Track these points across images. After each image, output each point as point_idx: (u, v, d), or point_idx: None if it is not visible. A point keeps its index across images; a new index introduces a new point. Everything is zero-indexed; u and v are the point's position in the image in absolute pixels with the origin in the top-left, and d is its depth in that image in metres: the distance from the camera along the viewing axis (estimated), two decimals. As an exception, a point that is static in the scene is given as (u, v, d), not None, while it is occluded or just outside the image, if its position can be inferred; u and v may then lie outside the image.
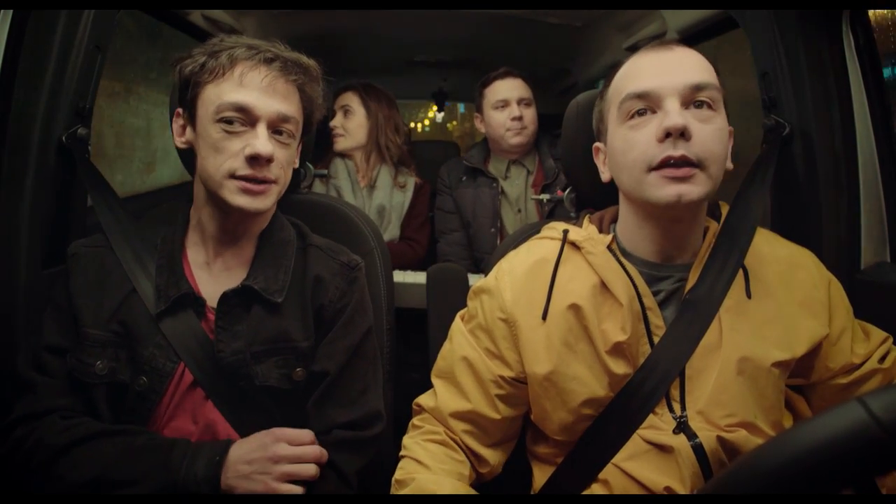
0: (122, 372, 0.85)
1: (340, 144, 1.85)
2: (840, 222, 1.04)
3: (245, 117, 0.83)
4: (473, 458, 0.89)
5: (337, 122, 1.84)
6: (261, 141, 0.83)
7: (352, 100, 1.83)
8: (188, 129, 0.89)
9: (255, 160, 0.83)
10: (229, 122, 0.83)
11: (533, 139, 1.86)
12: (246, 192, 0.84)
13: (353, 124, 1.83)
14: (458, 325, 0.95)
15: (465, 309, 0.97)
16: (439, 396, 0.92)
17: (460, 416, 0.89)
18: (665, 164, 0.75)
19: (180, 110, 0.90)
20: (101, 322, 0.86)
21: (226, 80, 0.83)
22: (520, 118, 1.79)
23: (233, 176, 0.84)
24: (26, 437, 0.80)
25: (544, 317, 0.85)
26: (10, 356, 0.90)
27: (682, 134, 0.74)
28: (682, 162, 0.74)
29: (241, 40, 0.87)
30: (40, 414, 0.82)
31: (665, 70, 0.78)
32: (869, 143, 1.05)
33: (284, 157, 0.88)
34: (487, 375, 0.88)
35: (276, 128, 0.86)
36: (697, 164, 0.75)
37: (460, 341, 0.92)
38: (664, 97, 0.77)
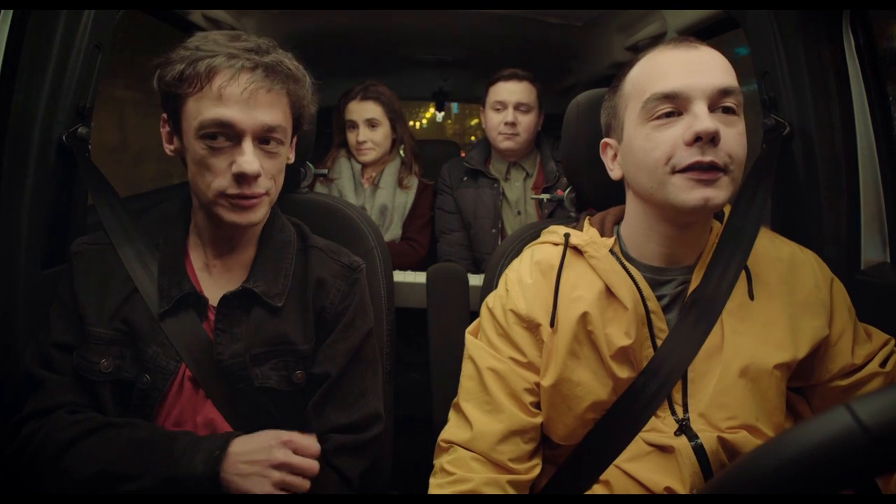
0: (127, 370, 0.85)
1: (370, 156, 1.82)
2: (840, 222, 1.04)
3: (228, 132, 0.80)
4: (519, 481, 0.84)
5: (364, 135, 1.80)
6: (246, 158, 0.80)
7: (375, 111, 1.80)
8: (175, 139, 0.87)
9: (242, 178, 0.81)
10: (212, 137, 0.80)
11: (526, 146, 1.84)
12: (237, 208, 0.83)
13: (380, 136, 1.82)
14: (473, 343, 0.91)
15: (474, 325, 0.95)
16: (475, 423, 0.85)
17: (505, 438, 0.83)
18: (692, 167, 0.74)
19: (165, 117, 0.87)
20: (105, 320, 0.86)
21: (205, 95, 0.79)
22: (513, 124, 1.77)
23: (223, 194, 0.82)
24: (35, 433, 0.80)
25: (552, 324, 0.84)
26: (10, 356, 0.90)
27: (712, 139, 0.73)
28: (710, 167, 0.74)
29: (219, 44, 0.81)
30: (48, 410, 0.82)
31: (693, 70, 0.77)
32: (869, 142, 1.05)
33: (274, 167, 0.86)
34: (520, 385, 0.85)
35: (262, 138, 0.83)
36: (723, 169, 0.74)
37: (481, 355, 0.88)
38: (693, 99, 0.75)
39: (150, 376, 0.85)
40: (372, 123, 1.80)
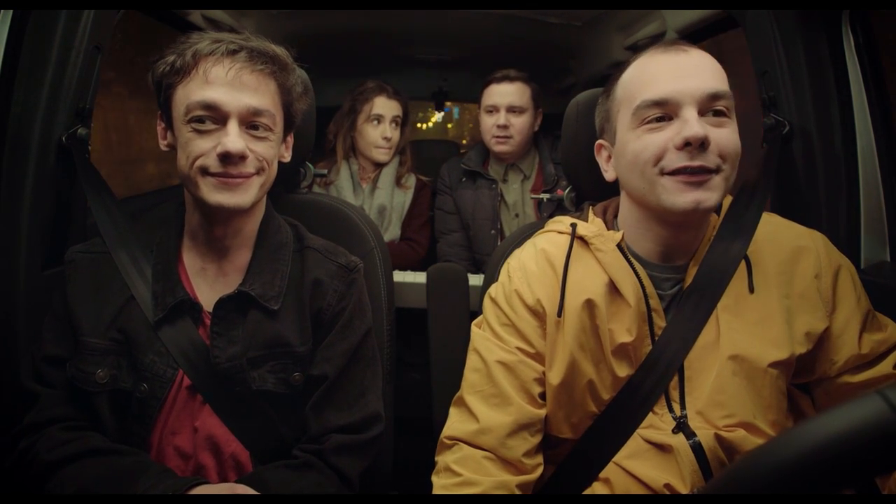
0: (124, 379, 0.85)
1: (388, 156, 1.82)
2: (840, 221, 1.04)
3: (215, 115, 0.80)
4: (526, 481, 0.82)
5: (389, 132, 1.79)
6: (231, 138, 0.80)
7: (399, 109, 1.82)
8: (168, 133, 0.87)
9: (227, 158, 0.80)
10: (200, 121, 0.80)
11: (521, 148, 1.83)
12: (223, 186, 0.82)
13: (398, 136, 1.83)
14: (478, 334, 0.90)
15: (479, 318, 0.94)
16: (481, 417, 0.83)
17: (514, 432, 0.82)
18: (681, 171, 0.75)
19: (160, 113, 0.88)
20: (100, 330, 0.85)
21: (192, 79, 0.81)
22: (505, 126, 1.76)
23: (206, 173, 0.81)
24: (29, 449, 0.80)
25: (559, 313, 0.84)
26: (10, 356, 0.90)
27: (701, 144, 0.74)
28: (699, 170, 0.75)
29: (206, 35, 0.84)
30: (43, 424, 0.82)
31: (682, 75, 0.77)
32: (868, 141, 1.04)
33: (264, 151, 0.85)
34: (529, 375, 0.85)
35: (249, 122, 0.83)
36: (714, 170, 0.75)
37: (488, 347, 0.87)
38: (683, 105, 0.76)
39: (147, 385, 0.84)
40: (396, 122, 1.82)
